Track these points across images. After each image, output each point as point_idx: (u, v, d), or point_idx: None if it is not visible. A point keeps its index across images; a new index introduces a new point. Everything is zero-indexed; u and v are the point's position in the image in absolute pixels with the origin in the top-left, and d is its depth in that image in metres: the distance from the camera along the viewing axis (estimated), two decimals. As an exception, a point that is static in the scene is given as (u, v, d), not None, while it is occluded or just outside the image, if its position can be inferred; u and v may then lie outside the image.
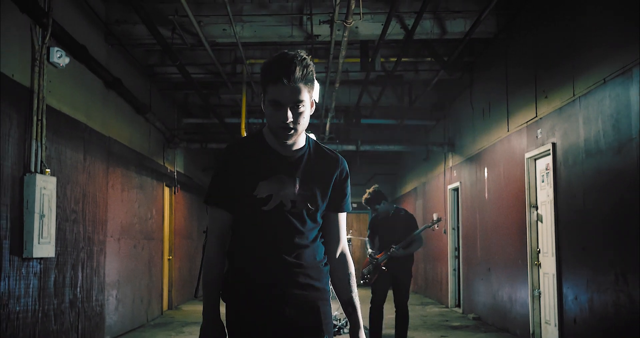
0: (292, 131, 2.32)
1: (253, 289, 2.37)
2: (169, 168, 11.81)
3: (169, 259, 12.05)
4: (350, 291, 2.49)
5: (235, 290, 2.41)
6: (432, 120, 12.83)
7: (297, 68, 2.26)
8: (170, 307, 12.06)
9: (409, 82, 11.42)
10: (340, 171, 2.49)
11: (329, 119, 12.11)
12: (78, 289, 7.25)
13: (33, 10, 5.90)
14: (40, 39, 6.14)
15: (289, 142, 2.36)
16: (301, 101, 2.29)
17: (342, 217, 2.53)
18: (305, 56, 2.31)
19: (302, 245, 2.39)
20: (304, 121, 2.34)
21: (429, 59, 9.65)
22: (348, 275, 2.50)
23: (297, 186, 2.39)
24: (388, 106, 12.50)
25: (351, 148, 12.20)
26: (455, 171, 11.70)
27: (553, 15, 7.07)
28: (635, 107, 5.28)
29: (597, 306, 5.98)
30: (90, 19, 7.68)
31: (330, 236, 2.51)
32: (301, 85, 2.27)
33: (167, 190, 11.83)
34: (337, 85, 9.81)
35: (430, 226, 7.79)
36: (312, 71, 2.32)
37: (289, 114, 2.28)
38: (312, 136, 2.55)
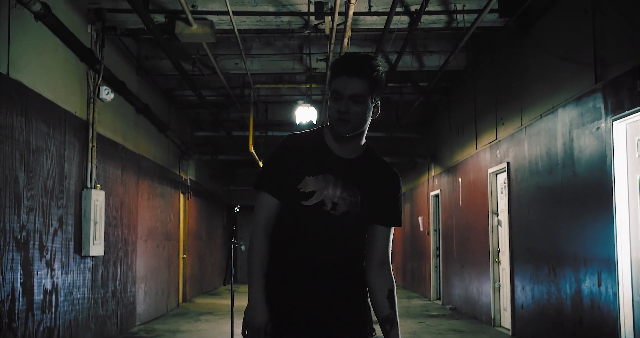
0: (347, 123, 2.31)
1: (287, 284, 2.38)
2: (183, 176, 13.35)
3: (183, 257, 13.59)
4: (388, 307, 2.41)
5: (272, 282, 2.40)
6: (417, 134, 14.38)
7: (361, 63, 2.31)
8: (184, 300, 13.60)
9: (395, 102, 12.96)
10: (391, 184, 2.46)
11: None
12: (117, 282, 8.79)
13: (90, 59, 7.44)
14: (93, 81, 7.69)
15: (344, 133, 2.33)
16: (360, 95, 2.29)
17: (388, 231, 2.46)
18: (373, 57, 2.38)
19: (338, 248, 2.38)
20: (361, 116, 2.31)
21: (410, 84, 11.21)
22: (387, 290, 2.42)
23: (343, 189, 2.37)
24: (378, 121, 14.02)
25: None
26: (436, 180, 13.26)
27: (507, 58, 8.61)
28: (560, 139, 6.84)
29: (536, 294, 7.54)
30: (126, 56, 9.22)
31: (372, 248, 2.45)
32: (363, 80, 2.28)
33: (181, 196, 13.37)
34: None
35: None
36: (377, 70, 2.33)
37: (346, 104, 2.29)
38: None
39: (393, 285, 2.45)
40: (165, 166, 11.75)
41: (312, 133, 2.47)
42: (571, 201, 6.55)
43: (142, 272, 10.08)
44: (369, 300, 2.46)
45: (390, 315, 2.40)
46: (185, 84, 10.93)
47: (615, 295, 5.59)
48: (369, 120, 2.37)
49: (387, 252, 2.45)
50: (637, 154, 5.42)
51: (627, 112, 5.40)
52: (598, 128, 5.93)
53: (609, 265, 5.70)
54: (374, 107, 2.37)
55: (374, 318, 2.47)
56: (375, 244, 2.44)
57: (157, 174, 11.08)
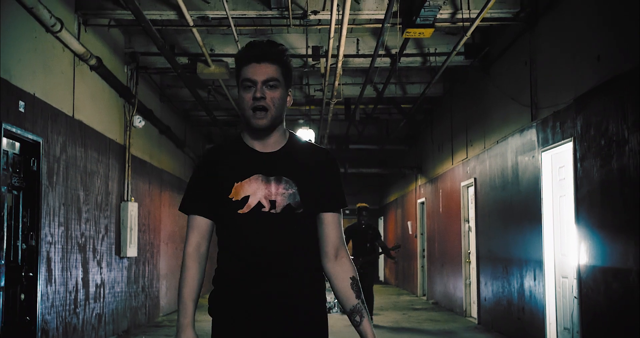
0: (265, 112, 2.17)
1: (236, 301, 2.22)
2: (196, 186, 14.96)
3: (196, 258, 15.20)
4: (354, 297, 2.25)
5: (219, 303, 2.27)
6: (405, 146, 16.00)
7: (269, 48, 2.20)
8: (197, 296, 15.19)
9: (385, 120, 14.57)
10: (327, 166, 2.31)
11: (324, 146, 15.28)
12: (146, 279, 10.40)
13: (127, 94, 9.06)
14: (129, 112, 9.30)
15: (264, 125, 2.19)
16: (275, 79, 2.18)
17: (335, 217, 2.30)
18: (279, 43, 2.24)
19: (288, 251, 2.21)
20: (278, 102, 2.19)
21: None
22: (349, 279, 2.27)
23: (276, 184, 2.22)
24: (371, 135, 15.69)
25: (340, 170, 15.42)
26: (422, 189, 14.87)
27: (474, 90, 10.20)
28: (510, 162, 8.44)
29: (494, 288, 9.15)
30: (152, 87, 10.84)
31: (324, 238, 2.28)
32: (274, 65, 2.19)
33: (195, 203, 14.98)
34: (329, 121, 12.98)
35: (393, 249, 10.76)
36: (285, 53, 2.23)
37: (261, 90, 2.16)
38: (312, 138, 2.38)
39: (355, 273, 2.30)
40: (182, 178, 13.37)
41: (230, 140, 2.35)
42: (517, 213, 8.15)
43: (164, 271, 11.70)
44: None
45: (358, 305, 2.25)
46: (200, 107, 12.57)
47: (544, 287, 7.19)
48: (285, 109, 2.27)
49: (340, 238, 2.30)
50: (559, 179, 7.02)
51: (551, 145, 7.00)
52: (533, 156, 7.53)
53: (540, 264, 7.30)
54: (288, 91, 2.26)
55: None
56: (326, 233, 2.29)
57: (175, 185, 12.70)
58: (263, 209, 2.21)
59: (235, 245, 2.24)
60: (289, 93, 2.27)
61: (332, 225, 2.30)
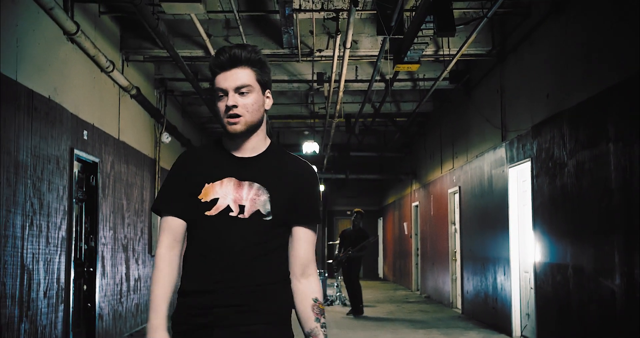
0: (239, 119, 2.10)
1: (189, 305, 2.14)
2: (210, 190, 16.44)
3: (210, 256, 16.68)
4: (313, 319, 2.16)
5: (177, 316, 2.18)
6: (402, 154, 17.45)
7: (237, 52, 2.12)
8: (211, 291, 16.67)
9: (382, 131, 16.02)
10: (305, 178, 2.22)
11: (327, 153, 16.75)
12: (170, 274, 11.84)
13: (157, 115, 10.50)
14: (158, 130, 10.75)
15: (239, 131, 2.11)
16: (246, 85, 2.11)
17: (307, 233, 2.21)
18: (249, 44, 2.16)
19: (251, 258, 2.11)
20: (252, 108, 2.12)
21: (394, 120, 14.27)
22: (311, 300, 2.18)
23: (248, 189, 2.15)
24: (370, 144, 17.13)
25: (342, 176, 16.91)
26: (416, 194, 16.31)
27: (458, 109, 11.63)
28: (486, 175, 9.87)
29: (475, 283, 10.59)
30: (175, 105, 12.29)
31: (293, 254, 2.20)
32: (244, 69, 2.11)
33: (209, 207, 16.46)
34: (332, 133, 14.42)
35: (369, 242, 12.13)
36: (257, 54, 2.14)
37: (233, 98, 2.09)
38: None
39: (320, 294, 2.22)
40: (199, 184, 14.83)
41: (210, 142, 2.31)
42: (491, 218, 9.59)
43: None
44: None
45: (316, 330, 2.17)
46: (215, 121, 14.02)
47: (511, 281, 8.63)
48: (263, 112, 2.19)
49: (310, 255, 2.23)
50: (522, 191, 8.46)
51: (516, 163, 8.43)
52: (503, 171, 8.96)
53: (508, 262, 8.74)
54: (265, 97, 2.19)
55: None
56: (295, 248, 2.21)
57: (194, 191, 14.16)
58: (231, 214, 2.14)
59: (199, 247, 2.15)
60: (267, 95, 2.20)
61: (302, 241, 2.22)
